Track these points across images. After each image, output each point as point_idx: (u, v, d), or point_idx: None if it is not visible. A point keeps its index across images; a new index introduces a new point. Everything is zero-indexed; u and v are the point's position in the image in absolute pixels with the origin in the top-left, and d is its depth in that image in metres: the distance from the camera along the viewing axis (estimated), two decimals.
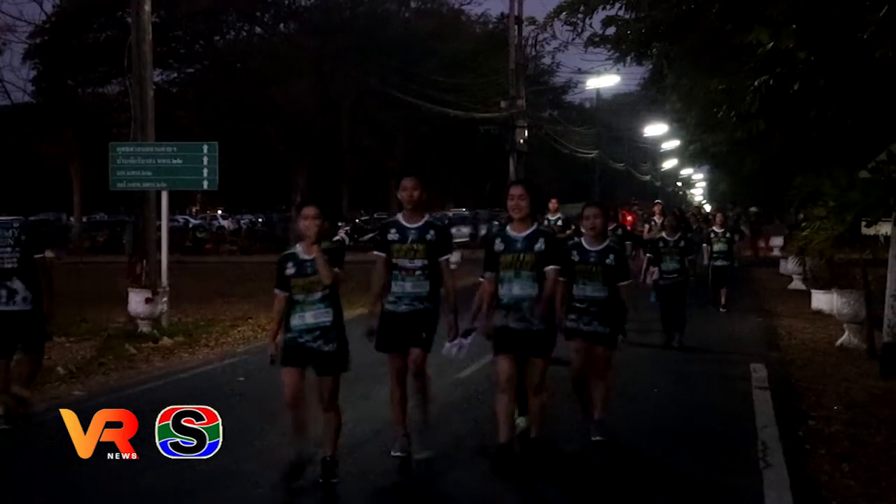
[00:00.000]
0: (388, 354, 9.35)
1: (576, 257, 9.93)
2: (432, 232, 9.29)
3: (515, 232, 9.08)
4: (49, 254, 11.83)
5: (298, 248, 8.81)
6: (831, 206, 14.52)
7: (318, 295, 8.62)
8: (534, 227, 9.13)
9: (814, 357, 15.58)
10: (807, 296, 22.18)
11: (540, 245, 8.94)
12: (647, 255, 17.66)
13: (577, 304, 9.94)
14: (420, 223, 9.31)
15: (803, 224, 16.20)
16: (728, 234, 22.93)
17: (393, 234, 9.33)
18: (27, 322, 10.98)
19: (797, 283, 26.68)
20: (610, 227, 15.72)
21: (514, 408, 9.46)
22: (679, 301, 16.78)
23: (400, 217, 9.46)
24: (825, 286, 19.66)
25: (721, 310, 21.65)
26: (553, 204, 20.64)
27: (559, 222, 19.65)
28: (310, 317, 8.62)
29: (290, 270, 8.71)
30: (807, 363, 15.00)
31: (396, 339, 9.25)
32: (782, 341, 17.34)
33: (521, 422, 9.85)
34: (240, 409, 11.45)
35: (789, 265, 28.11)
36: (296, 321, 8.67)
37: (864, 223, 14.05)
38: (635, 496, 8.40)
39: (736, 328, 19.13)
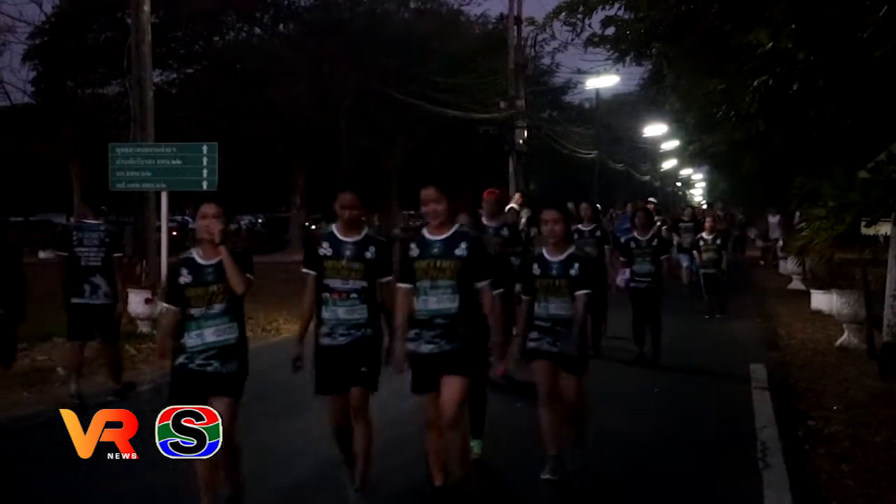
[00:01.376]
0: (329, 396, 7.93)
1: (536, 271, 8.72)
2: (373, 249, 7.89)
3: (432, 235, 7.78)
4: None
5: (195, 253, 7.43)
6: (831, 206, 14.50)
7: (220, 307, 7.25)
8: (455, 228, 7.77)
9: (813, 357, 15.60)
10: (806, 296, 22.17)
11: (462, 251, 7.62)
12: (619, 256, 15.94)
13: (541, 324, 8.68)
14: (358, 237, 7.91)
15: (802, 224, 16.18)
16: (718, 241, 21.73)
17: (325, 249, 7.93)
18: (107, 314, 12.42)
19: (796, 284, 26.67)
20: (588, 228, 16.09)
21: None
22: (653, 308, 15.18)
23: (335, 229, 8.04)
24: (825, 286, 19.65)
25: (717, 316, 20.89)
26: (518, 198, 19.89)
27: (524, 220, 18.81)
28: (210, 334, 7.22)
29: (186, 279, 7.29)
30: (806, 363, 15.01)
31: (337, 377, 7.79)
32: (781, 341, 17.34)
33: (475, 447, 9.06)
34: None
35: (789, 265, 28.11)
36: (192, 340, 7.23)
37: (863, 223, 14.03)
38: (634, 497, 8.41)
39: (735, 328, 19.13)
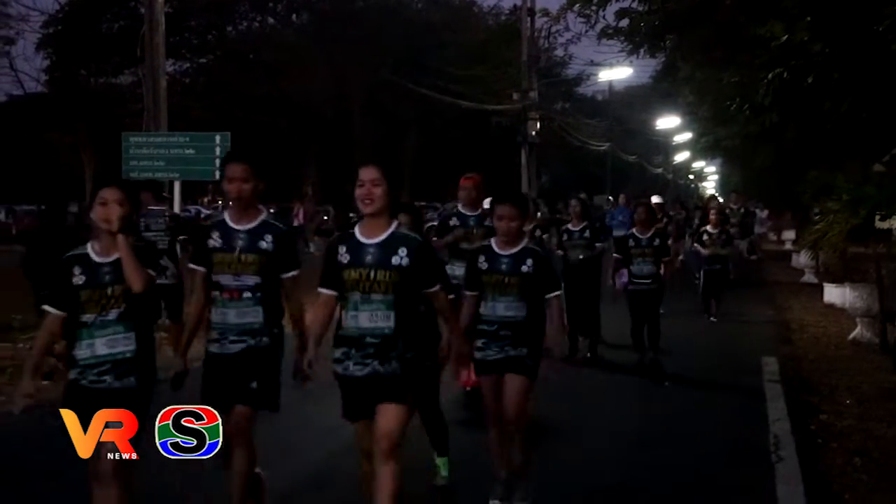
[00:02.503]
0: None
1: (483, 265, 7.66)
2: (269, 238, 6.81)
3: (364, 237, 6.56)
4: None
5: (90, 248, 6.33)
6: (845, 199, 14.52)
7: (116, 313, 6.18)
8: (392, 229, 6.54)
9: (826, 351, 15.56)
10: (819, 290, 22.12)
11: (400, 258, 6.44)
12: (615, 254, 14.60)
13: (485, 327, 7.65)
14: (254, 224, 6.84)
15: (816, 217, 16.15)
16: (724, 236, 19.80)
17: (216, 240, 6.84)
18: (174, 295, 13.30)
19: (809, 277, 26.60)
20: (577, 228, 14.86)
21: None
22: (653, 312, 13.86)
23: (226, 216, 6.97)
24: (838, 280, 19.61)
25: (711, 319, 19.10)
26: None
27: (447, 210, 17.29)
28: (102, 345, 6.14)
29: (78, 279, 6.20)
30: (819, 357, 14.97)
31: (223, 391, 6.69)
32: (794, 335, 17.29)
33: (441, 467, 8.33)
34: None
35: (801, 259, 28.03)
36: (83, 352, 6.19)
37: (877, 217, 14.03)
38: (645, 489, 8.39)
39: (747, 321, 19.09)
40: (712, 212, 21.24)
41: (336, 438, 8.71)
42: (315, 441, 9.61)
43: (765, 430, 10.18)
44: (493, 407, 7.72)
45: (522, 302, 7.57)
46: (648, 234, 13.88)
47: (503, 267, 7.61)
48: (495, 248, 7.72)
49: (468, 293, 7.81)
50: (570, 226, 15.15)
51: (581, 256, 14.76)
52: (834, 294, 20.23)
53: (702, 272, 19.77)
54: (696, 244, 20.16)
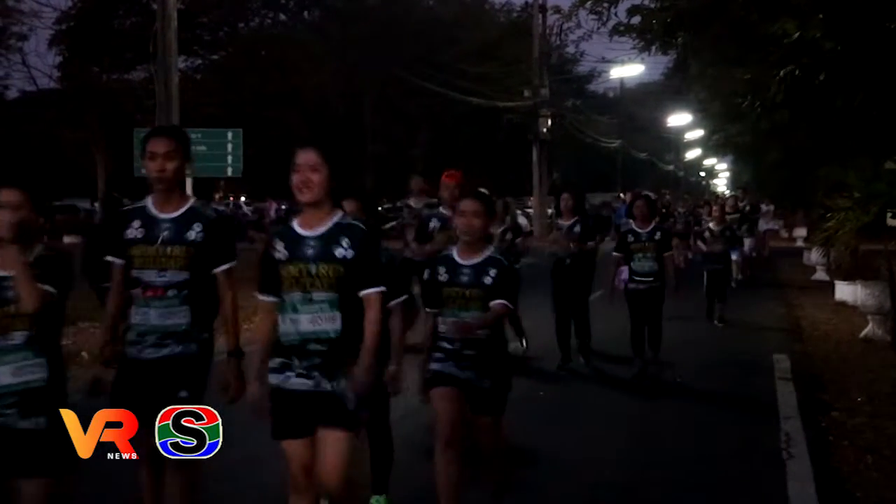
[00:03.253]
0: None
1: (443, 276, 6.83)
2: (198, 227, 5.97)
3: (304, 229, 5.75)
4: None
5: None
6: (856, 196, 14.51)
7: (22, 337, 5.20)
8: (335, 219, 5.72)
9: (837, 348, 15.53)
10: (830, 287, 22.08)
11: (344, 250, 5.62)
12: (614, 252, 13.64)
13: (446, 345, 6.80)
14: (180, 211, 6.02)
15: (828, 215, 16.13)
16: (728, 233, 18.90)
17: (136, 230, 5.99)
18: None
19: (821, 274, 26.55)
20: (568, 223, 13.76)
21: None
22: (654, 312, 13.15)
23: (149, 202, 6.10)
24: (849, 277, 19.58)
25: (717, 324, 17.93)
26: (417, 184, 15.26)
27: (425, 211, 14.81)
28: (7, 374, 5.16)
29: None
30: (830, 355, 14.94)
31: (143, 402, 5.70)
32: (805, 332, 17.27)
33: None
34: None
35: (813, 256, 27.99)
36: None
37: (889, 214, 14.01)
38: (656, 486, 8.40)
39: (758, 319, 19.07)
40: (714, 208, 20.86)
41: None
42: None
43: (776, 428, 10.17)
44: (451, 427, 6.67)
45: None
46: (648, 228, 13.07)
47: (464, 279, 6.76)
48: (456, 258, 6.86)
49: (427, 310, 6.95)
50: (560, 220, 14.22)
51: (571, 254, 13.52)
52: (845, 291, 20.20)
53: (704, 272, 18.57)
54: (697, 242, 19.36)
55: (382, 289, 5.71)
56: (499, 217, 12.41)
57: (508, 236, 13.09)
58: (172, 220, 5.95)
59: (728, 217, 23.03)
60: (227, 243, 6.14)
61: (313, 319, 5.58)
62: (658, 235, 13.05)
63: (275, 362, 5.68)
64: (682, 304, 15.11)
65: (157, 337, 5.89)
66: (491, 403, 6.80)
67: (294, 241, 5.69)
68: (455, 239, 7.83)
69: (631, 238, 13.10)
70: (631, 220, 13.93)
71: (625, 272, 13.32)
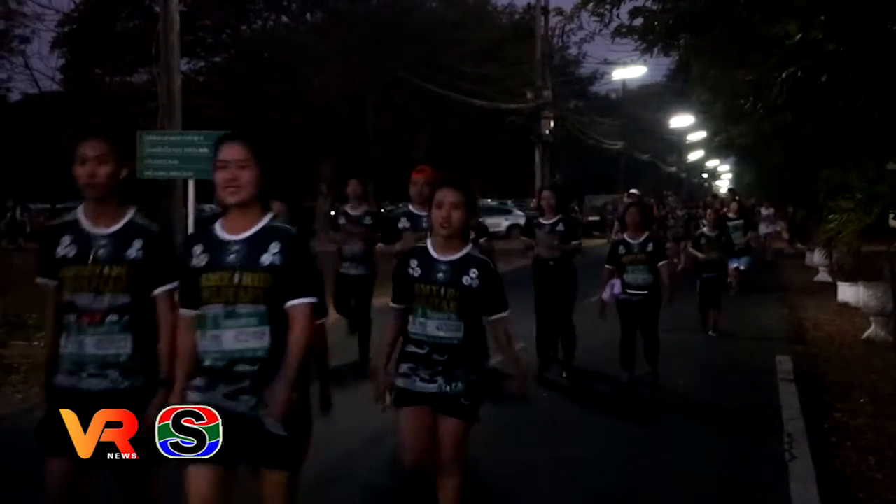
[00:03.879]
0: (50, 458, 5.24)
1: (416, 272, 6.22)
2: (140, 243, 5.26)
3: (229, 232, 5.15)
4: None
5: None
6: (859, 198, 14.49)
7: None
8: (263, 222, 5.17)
9: (840, 350, 15.53)
10: (833, 288, 22.07)
11: (272, 256, 5.05)
12: (606, 265, 12.71)
13: (414, 349, 6.22)
14: (117, 226, 5.29)
15: (830, 216, 16.12)
16: (724, 239, 17.55)
17: (67, 247, 5.26)
18: None
19: (823, 276, 26.54)
20: (549, 221, 12.93)
21: None
22: (649, 324, 12.51)
23: (80, 213, 5.37)
24: (851, 279, 19.57)
25: (710, 333, 16.84)
26: (355, 188, 14.17)
27: (367, 218, 13.63)
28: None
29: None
30: (833, 356, 14.95)
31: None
32: (808, 334, 17.28)
33: None
34: None
35: (815, 257, 27.98)
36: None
37: (891, 215, 14.02)
38: (658, 488, 8.41)
39: (761, 320, 19.07)
40: (708, 211, 19.17)
41: (348, 435, 8.72)
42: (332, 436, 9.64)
43: (779, 429, 10.17)
44: (418, 454, 6.19)
45: (461, 321, 6.13)
46: (641, 239, 12.35)
47: (440, 276, 6.14)
48: (432, 252, 6.25)
49: (394, 305, 6.37)
50: (541, 218, 13.09)
51: (555, 254, 12.76)
52: (848, 293, 20.19)
53: (697, 281, 17.34)
54: (688, 247, 18.21)
55: (313, 300, 5.14)
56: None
57: (472, 236, 12.11)
58: (110, 236, 5.26)
59: (731, 223, 22.65)
60: (168, 261, 5.36)
61: (238, 336, 5.00)
62: (651, 246, 12.36)
63: (197, 381, 5.12)
64: (681, 312, 15.15)
65: (97, 366, 5.21)
66: (461, 408, 6.18)
67: (216, 247, 5.08)
68: (423, 239, 7.30)
69: (622, 249, 12.43)
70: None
71: (616, 285, 12.49)
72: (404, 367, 6.24)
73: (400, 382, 6.26)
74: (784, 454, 9.22)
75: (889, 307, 15.86)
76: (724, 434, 10.31)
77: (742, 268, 22.35)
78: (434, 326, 6.13)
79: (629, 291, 12.38)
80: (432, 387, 6.16)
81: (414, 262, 6.24)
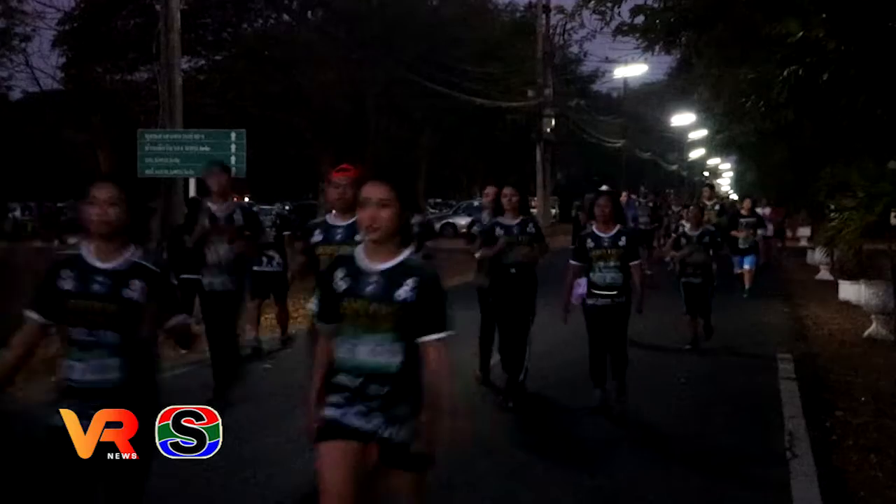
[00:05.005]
0: None
1: (341, 284, 5.17)
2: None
3: (94, 254, 5.16)
4: None
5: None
6: (860, 196, 14.51)
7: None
8: (129, 253, 5.17)
9: (841, 348, 15.53)
10: (834, 286, 22.09)
11: (132, 290, 5.07)
12: (571, 260, 11.21)
13: (344, 380, 5.14)
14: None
15: (832, 214, 16.13)
16: (707, 239, 15.48)
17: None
18: (280, 280, 15.17)
19: (824, 274, 26.55)
20: (513, 222, 11.48)
21: None
22: (617, 333, 10.97)
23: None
24: (853, 277, 19.58)
25: (686, 346, 15.09)
26: (218, 181, 11.02)
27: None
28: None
29: None
30: (834, 354, 14.95)
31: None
32: (809, 332, 17.28)
33: None
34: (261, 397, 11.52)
35: (817, 256, 27.98)
36: None
37: (893, 213, 14.02)
38: (660, 487, 8.40)
39: (762, 318, 19.06)
40: (691, 209, 17.61)
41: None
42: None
43: (780, 427, 10.17)
44: (337, 490, 5.06)
45: (398, 343, 5.08)
46: (612, 232, 10.93)
47: (369, 289, 5.11)
48: (360, 261, 5.21)
49: (320, 324, 5.40)
50: (501, 219, 11.53)
51: (516, 260, 11.31)
52: (849, 291, 20.21)
53: (681, 286, 15.53)
54: (663, 242, 17.06)
55: (178, 318, 5.19)
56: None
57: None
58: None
59: (744, 220, 22.65)
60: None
61: (93, 367, 5.02)
62: (623, 241, 10.89)
63: (59, 406, 5.09)
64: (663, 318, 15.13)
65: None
66: (410, 459, 5.11)
67: (82, 270, 5.06)
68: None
69: (591, 243, 10.94)
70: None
71: (582, 285, 11.02)
72: (334, 398, 5.16)
73: (328, 412, 5.16)
74: (785, 452, 9.21)
75: (891, 305, 15.87)
76: (725, 432, 10.29)
77: (749, 267, 22.15)
78: (366, 351, 5.07)
79: (596, 293, 10.88)
80: (369, 426, 5.07)
81: (340, 274, 5.20)
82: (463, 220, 43.47)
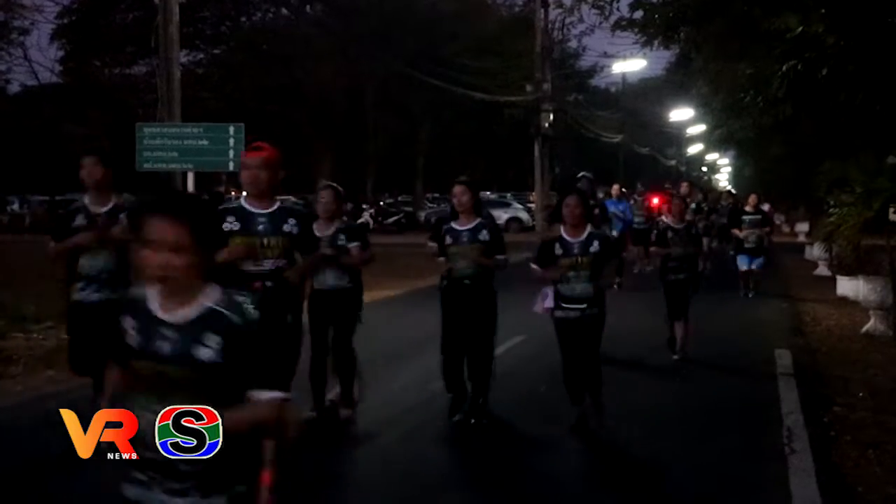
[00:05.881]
0: None
1: (134, 339, 3.87)
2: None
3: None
4: None
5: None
6: (859, 191, 14.52)
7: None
8: None
9: (839, 344, 15.52)
10: (832, 282, 22.08)
11: None
12: (532, 264, 9.80)
13: (145, 452, 4.09)
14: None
15: (830, 210, 16.14)
16: (694, 231, 14.41)
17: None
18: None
19: (822, 270, 26.54)
20: (465, 227, 9.84)
21: None
22: (590, 345, 9.64)
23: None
24: (851, 272, 19.57)
25: (674, 356, 13.71)
26: (93, 171, 8.58)
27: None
28: None
29: None
30: (832, 350, 14.93)
31: None
32: (807, 328, 17.26)
33: None
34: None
35: (815, 251, 27.97)
36: None
37: (891, 209, 14.03)
38: (658, 482, 8.40)
39: (760, 314, 19.04)
40: (673, 200, 15.64)
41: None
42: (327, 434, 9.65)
43: (778, 423, 10.15)
44: None
45: (210, 399, 3.95)
46: (582, 237, 9.60)
47: (166, 349, 3.81)
48: (152, 306, 3.84)
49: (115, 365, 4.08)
50: (454, 224, 9.92)
51: (470, 271, 9.76)
52: (847, 286, 20.20)
53: (663, 285, 14.13)
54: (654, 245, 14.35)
55: None
56: (334, 210, 9.89)
57: (341, 240, 9.72)
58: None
59: (748, 217, 21.62)
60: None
61: None
62: (595, 246, 9.55)
63: None
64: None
65: None
66: None
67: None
68: (253, 251, 7.09)
69: (559, 250, 9.60)
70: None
71: (549, 296, 9.84)
72: (139, 476, 4.09)
73: (130, 493, 4.12)
74: (783, 448, 9.20)
75: (889, 301, 15.85)
76: (722, 428, 10.28)
77: (755, 268, 21.33)
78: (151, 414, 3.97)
79: (565, 305, 9.61)
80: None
81: (130, 323, 3.85)
82: None
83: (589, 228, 9.71)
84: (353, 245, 9.68)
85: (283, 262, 7.38)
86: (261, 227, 7.25)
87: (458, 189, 9.90)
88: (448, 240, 9.81)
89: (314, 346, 9.67)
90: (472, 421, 9.82)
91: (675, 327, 13.77)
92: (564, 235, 9.61)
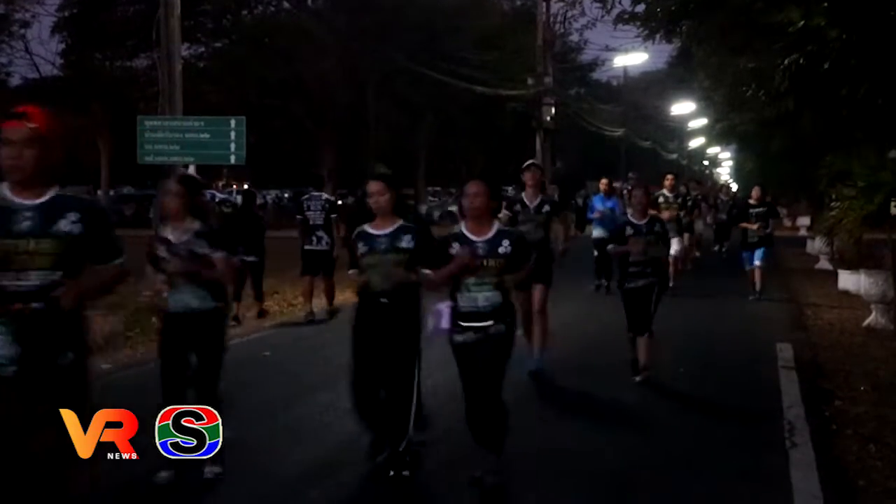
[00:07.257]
0: None
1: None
2: None
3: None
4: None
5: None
6: (860, 185, 14.51)
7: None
8: None
9: (840, 337, 15.51)
10: (833, 276, 22.06)
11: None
12: (424, 270, 7.73)
13: None
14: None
15: (832, 204, 16.13)
16: (659, 228, 11.97)
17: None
18: (327, 257, 16.91)
19: (824, 263, 26.54)
20: (385, 230, 7.97)
21: None
22: (490, 374, 7.58)
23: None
24: (852, 266, 19.55)
25: (635, 378, 11.77)
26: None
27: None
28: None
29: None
30: (833, 343, 14.93)
31: None
32: (808, 321, 17.26)
33: None
34: (266, 383, 11.53)
35: (816, 245, 27.96)
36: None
37: (893, 203, 14.02)
38: (659, 476, 8.39)
39: (761, 308, 19.03)
40: (634, 192, 12.60)
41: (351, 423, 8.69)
42: (331, 425, 9.64)
43: (779, 417, 10.15)
44: None
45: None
46: (489, 235, 7.66)
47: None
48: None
49: None
50: (368, 227, 8.03)
51: (388, 287, 7.85)
52: (849, 280, 20.16)
53: (624, 293, 12.07)
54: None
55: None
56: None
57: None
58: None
59: (755, 211, 20.14)
60: None
61: None
62: (505, 247, 7.59)
63: None
64: (695, 279, 15.04)
65: None
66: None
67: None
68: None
69: (457, 249, 7.60)
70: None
71: (445, 313, 7.68)
72: None
73: None
74: (784, 442, 9.20)
75: (890, 295, 15.85)
76: (724, 422, 10.29)
77: (760, 263, 19.92)
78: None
79: (465, 325, 7.59)
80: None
81: None
82: None
83: (497, 225, 7.80)
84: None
85: (56, 276, 5.18)
86: (23, 224, 5.19)
87: (375, 187, 7.97)
88: (361, 247, 7.94)
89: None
90: (392, 473, 7.83)
91: (638, 343, 11.82)
92: (466, 232, 7.67)
